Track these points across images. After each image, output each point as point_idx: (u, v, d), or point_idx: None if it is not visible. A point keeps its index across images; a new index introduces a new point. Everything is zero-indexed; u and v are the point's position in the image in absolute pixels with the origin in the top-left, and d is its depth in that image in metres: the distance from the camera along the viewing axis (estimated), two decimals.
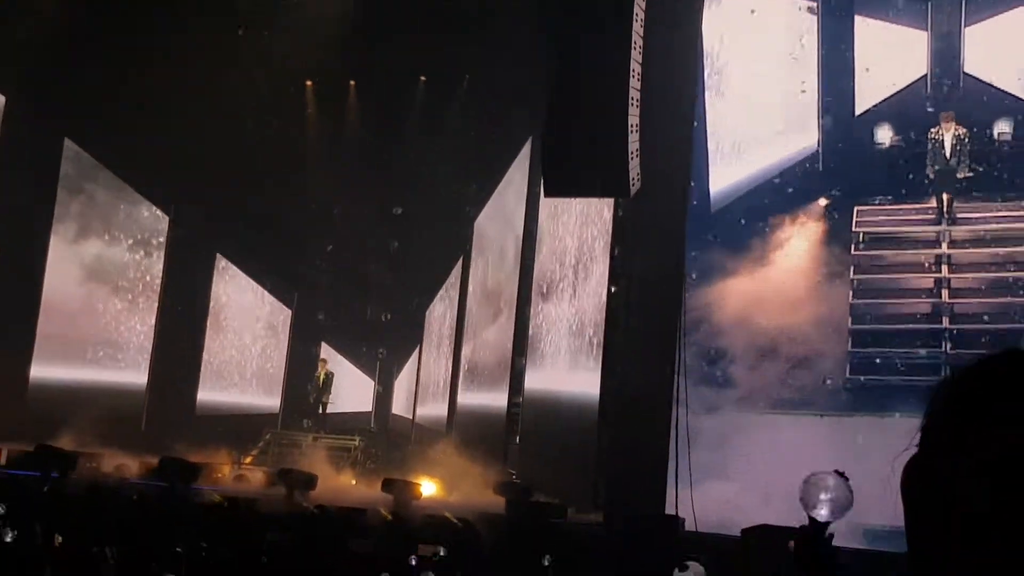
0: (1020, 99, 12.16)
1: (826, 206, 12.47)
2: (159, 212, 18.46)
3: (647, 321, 12.00)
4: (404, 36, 16.93)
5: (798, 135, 12.77)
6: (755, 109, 13.08)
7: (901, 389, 11.10)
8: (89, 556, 8.35)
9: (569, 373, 14.61)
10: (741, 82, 12.94)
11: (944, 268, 12.22)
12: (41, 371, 17.14)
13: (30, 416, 15.34)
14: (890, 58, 12.64)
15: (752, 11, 12.83)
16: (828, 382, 11.60)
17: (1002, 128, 12.12)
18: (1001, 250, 11.93)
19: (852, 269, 12.23)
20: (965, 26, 12.40)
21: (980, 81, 12.37)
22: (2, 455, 13.30)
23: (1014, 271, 11.80)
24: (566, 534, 10.96)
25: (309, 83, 18.46)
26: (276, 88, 17.47)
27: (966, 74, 12.50)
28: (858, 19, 12.66)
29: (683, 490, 10.90)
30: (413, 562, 9.04)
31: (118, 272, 18.14)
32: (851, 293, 12.04)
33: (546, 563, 8.70)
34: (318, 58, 17.18)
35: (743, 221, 12.48)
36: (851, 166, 12.54)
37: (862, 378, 11.68)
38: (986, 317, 11.74)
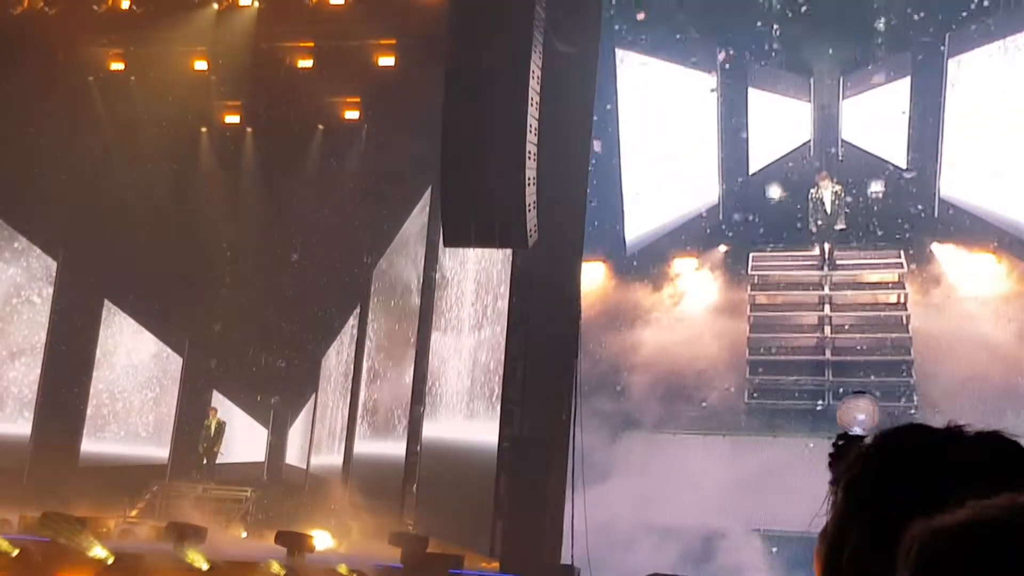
0: (889, 163, 14.12)
1: (725, 252, 14.29)
2: (46, 256, 17.93)
3: (544, 369, 12.17)
4: (304, 83, 16.95)
5: (701, 191, 14.46)
6: (665, 168, 14.66)
7: (791, 411, 12.95)
8: None
9: (467, 421, 14.64)
10: (653, 145, 14.51)
11: (827, 307, 14.07)
12: None
13: None
14: (779, 126, 14.48)
15: (656, 88, 14.48)
16: (728, 406, 13.09)
17: (875, 188, 14.14)
18: (874, 292, 13.95)
19: (748, 307, 13.96)
20: (843, 99, 14.33)
21: (856, 147, 14.32)
22: None
23: (884, 311, 13.75)
24: None
25: (204, 129, 18.27)
26: (171, 133, 17.25)
27: (844, 140, 14.43)
28: (751, 91, 14.36)
29: (579, 538, 11.01)
30: None
31: (1, 318, 17.52)
32: (748, 328, 13.74)
33: None
34: (214, 104, 17.09)
35: (654, 264, 14.16)
36: (746, 218, 14.36)
37: (758, 402, 13.23)
38: (862, 348, 13.52)
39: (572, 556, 10.89)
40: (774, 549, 11.62)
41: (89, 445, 18.17)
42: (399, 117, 16.03)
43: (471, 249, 14.13)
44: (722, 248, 14.30)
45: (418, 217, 17.07)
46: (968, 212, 13.69)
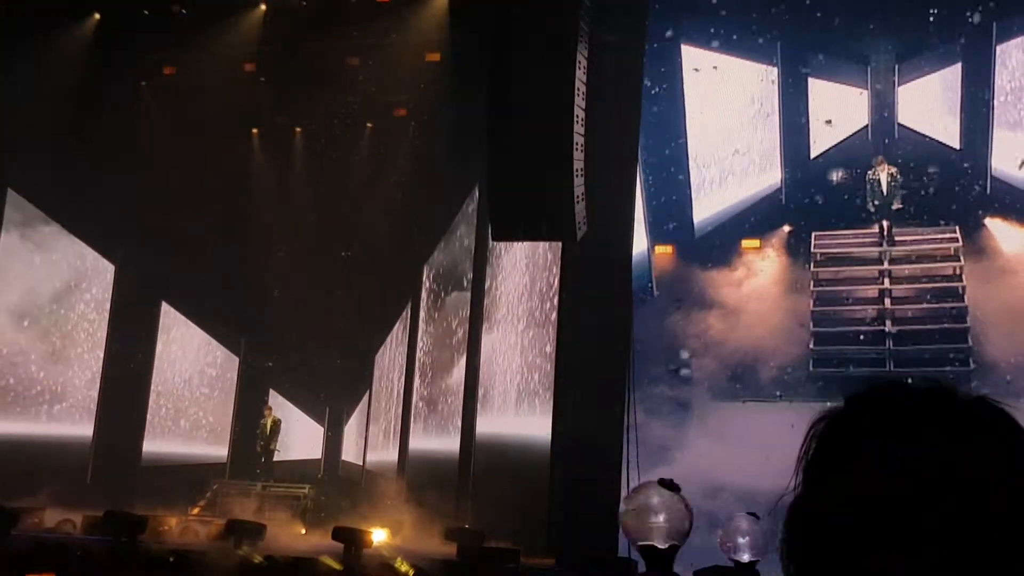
0: (943, 144, 15.10)
1: (789, 232, 15.29)
2: (104, 260, 18.25)
3: (597, 362, 12.09)
4: (351, 82, 17.03)
5: (765, 175, 15.55)
6: (730, 156, 15.68)
7: (854, 379, 13.60)
8: None
9: (520, 416, 14.60)
10: (719, 134, 15.57)
11: (886, 280, 15.06)
12: None
13: None
14: (838, 112, 15.50)
15: (720, 80, 15.49)
16: (795, 375, 14.04)
17: (931, 168, 15.03)
18: (930, 265, 14.85)
19: (812, 283, 14.96)
20: (898, 86, 15.46)
21: (911, 130, 15.38)
22: None
23: (941, 282, 14.69)
24: None
25: (255, 131, 18.45)
26: (222, 135, 17.44)
27: (900, 124, 15.52)
28: (811, 80, 15.46)
29: None
30: None
31: (62, 321, 17.86)
32: (812, 302, 14.77)
33: None
34: (263, 105, 17.25)
35: (721, 245, 15.14)
36: (808, 199, 15.36)
37: (823, 371, 14.17)
38: (921, 318, 14.48)
39: (628, 549, 10.80)
40: None
41: (150, 445, 18.47)
42: (446, 113, 16.03)
43: (520, 243, 14.09)
44: (786, 228, 15.26)
45: (467, 212, 17.07)
46: (1019, 188, 14.54)
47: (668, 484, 2.70)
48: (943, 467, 0.89)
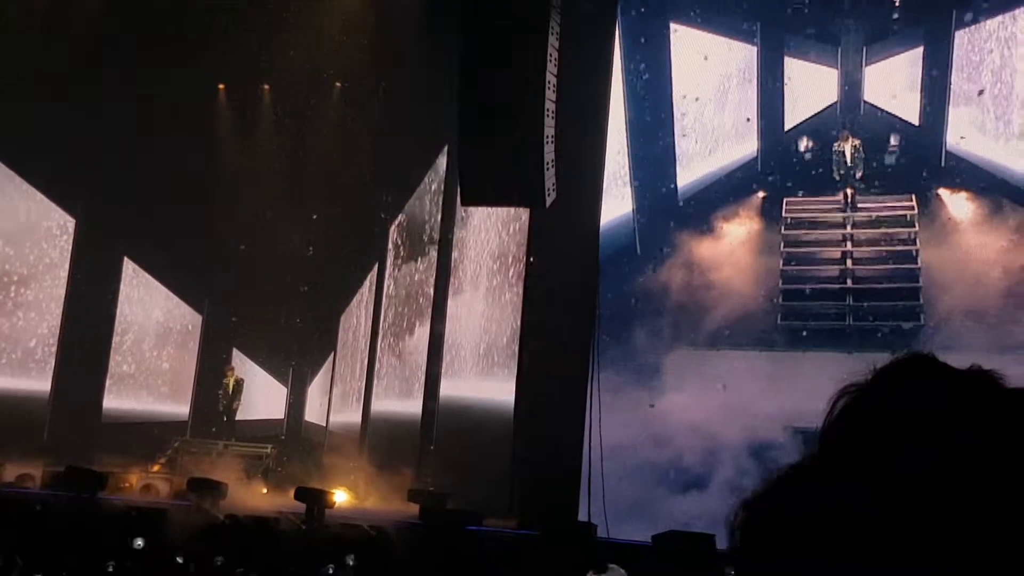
0: (904, 120, 16.57)
1: (763, 198, 16.49)
2: (64, 214, 18.01)
3: (562, 328, 12.18)
4: (320, 40, 16.86)
5: (742, 146, 16.90)
6: (709, 127, 16.99)
7: (817, 331, 15.44)
8: None
9: (484, 380, 14.69)
10: (701, 106, 16.76)
11: (848, 244, 16.40)
12: None
13: None
14: (810, 89, 17.01)
15: (705, 57, 16.74)
16: (765, 327, 15.54)
17: (892, 141, 16.49)
18: (889, 230, 16.21)
19: (781, 244, 16.26)
20: (865, 65, 16.81)
21: (875, 107, 16.77)
22: None
23: (898, 246, 16.09)
24: (480, 541, 11.03)
25: (221, 86, 18.22)
26: (188, 90, 17.20)
27: (866, 101, 16.87)
28: (787, 59, 16.87)
29: (596, 497, 11.09)
30: (331, 571, 9.01)
31: (20, 275, 17.64)
32: (781, 262, 16.14)
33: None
34: (231, 61, 17.03)
35: (702, 209, 16.28)
36: (781, 168, 16.66)
37: (788, 324, 15.69)
38: (878, 277, 15.93)
39: (588, 513, 10.97)
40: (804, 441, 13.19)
41: (111, 402, 18.35)
42: (417, 74, 15.92)
43: (489, 208, 14.09)
44: (760, 195, 16.51)
45: (435, 175, 17.02)
46: (969, 162, 15.99)
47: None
48: (981, 447, 0.82)
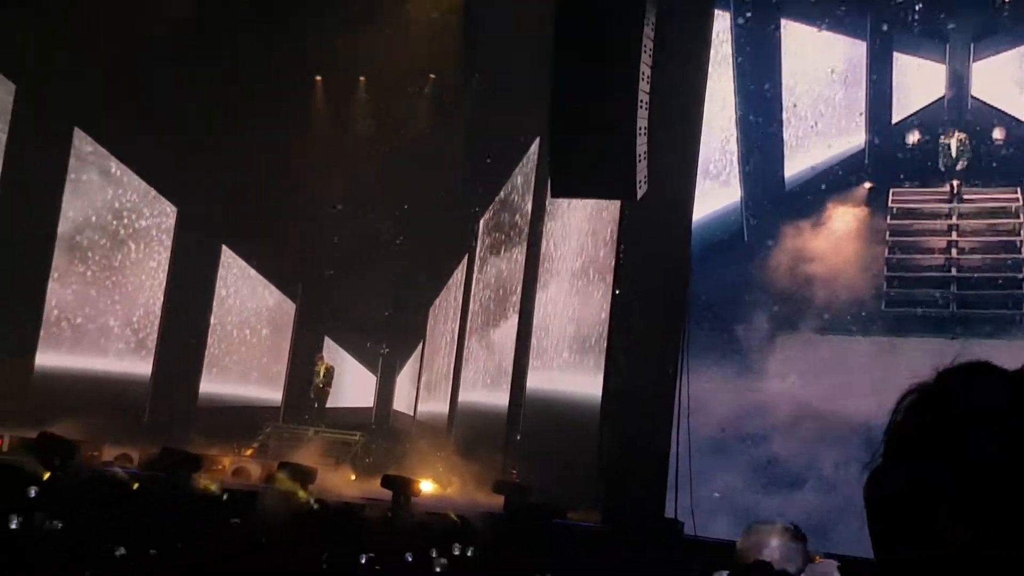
0: (1010, 115, 16.90)
1: (869, 189, 16.96)
2: (166, 203, 18.51)
3: (652, 321, 12.04)
4: (415, 31, 16.97)
5: (849, 137, 17.44)
6: (817, 120, 17.50)
7: (921, 318, 16.02)
8: (94, 548, 8.37)
9: (572, 373, 14.62)
10: (811, 100, 17.53)
11: (953, 234, 16.92)
12: (45, 359, 17.19)
13: (33, 404, 15.38)
14: (918, 83, 17.59)
15: (814, 51, 17.36)
16: (870, 313, 15.98)
17: (997, 135, 16.83)
18: (993, 221, 16.74)
19: (887, 234, 16.84)
20: (973, 61, 17.32)
21: (982, 102, 17.21)
22: (4, 442, 13.33)
23: (1001, 237, 16.61)
24: (564, 534, 10.97)
25: (318, 78, 18.49)
26: (286, 81, 17.50)
27: (973, 97, 17.35)
28: (895, 55, 17.46)
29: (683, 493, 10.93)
30: (409, 558, 9.06)
31: (123, 262, 18.19)
32: (886, 251, 16.71)
33: None
34: (328, 53, 17.25)
35: (809, 199, 16.75)
36: (888, 160, 17.12)
37: (893, 311, 16.15)
38: (982, 267, 16.37)
39: (676, 510, 10.81)
40: None
41: (207, 386, 18.82)
42: (509, 67, 15.91)
43: (579, 200, 14.00)
44: (867, 185, 16.90)
45: (526, 167, 16.99)
46: None
47: (794, 532, 2.65)
48: None
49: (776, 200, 16.91)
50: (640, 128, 10.61)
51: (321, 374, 18.43)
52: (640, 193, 10.90)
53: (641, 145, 10.65)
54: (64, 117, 16.99)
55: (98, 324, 17.85)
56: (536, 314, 15.90)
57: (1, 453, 12.86)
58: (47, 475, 11.21)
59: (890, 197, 17.08)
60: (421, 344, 19.85)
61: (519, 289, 16.38)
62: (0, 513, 8.84)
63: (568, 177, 11.24)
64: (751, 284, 15.67)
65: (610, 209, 13.64)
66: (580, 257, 15.02)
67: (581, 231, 15.10)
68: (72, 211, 17.66)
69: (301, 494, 12.24)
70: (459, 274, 18.94)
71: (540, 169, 15.69)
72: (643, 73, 10.59)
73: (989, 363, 1.02)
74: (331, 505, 11.84)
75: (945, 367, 1.03)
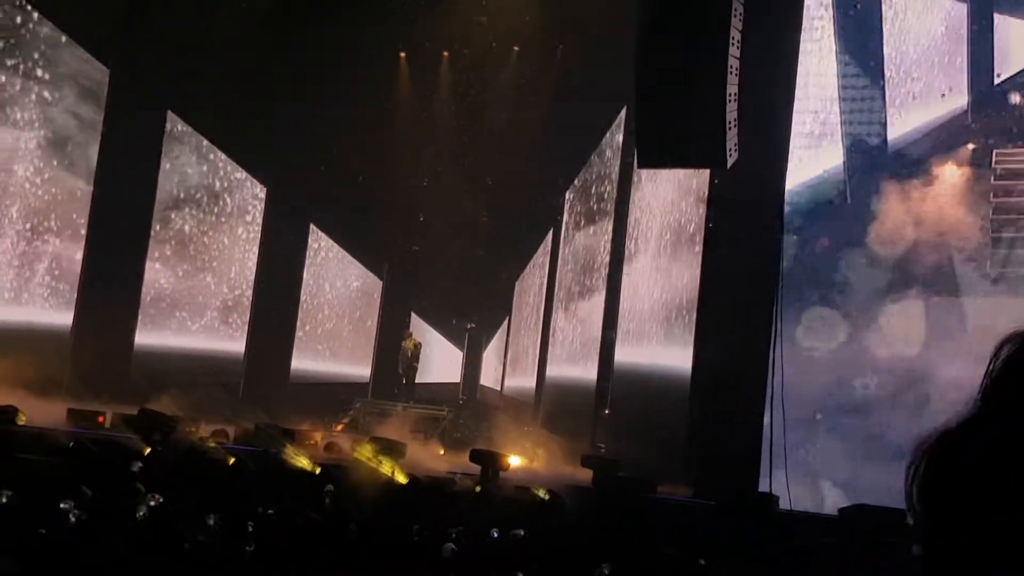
0: None
1: (972, 150, 16.85)
2: (257, 185, 18.78)
3: (743, 293, 11.79)
4: (499, 5, 16.85)
5: (953, 98, 17.19)
6: (921, 80, 17.33)
7: None
8: (188, 513, 8.55)
9: (661, 346, 14.43)
10: (911, 61, 17.31)
11: None
12: (144, 337, 17.65)
13: (133, 381, 15.80)
14: (1020, 43, 17.33)
15: (915, 14, 17.15)
16: (975, 274, 15.97)
17: None
18: None
19: (991, 195, 16.64)
20: None
21: None
22: (106, 418, 13.71)
23: None
24: (654, 509, 10.84)
25: (403, 54, 18.51)
26: (371, 58, 17.55)
27: None
28: (996, 16, 17.11)
29: (778, 468, 10.70)
30: (495, 534, 9.03)
31: (218, 244, 18.53)
32: (991, 212, 16.50)
33: (606, 572, 8.45)
34: (411, 28, 17.25)
35: (912, 160, 16.56)
36: (991, 121, 16.92)
37: (1000, 270, 16.05)
38: None
39: (770, 484, 10.60)
40: None
41: (298, 363, 19.12)
42: (595, 34, 15.69)
43: (667, 170, 13.76)
44: (969, 147, 16.74)
45: (612, 138, 16.78)
46: None
47: None
48: None
49: (879, 162, 16.78)
50: (730, 94, 10.33)
51: (409, 351, 18.57)
52: (731, 161, 10.63)
53: (731, 112, 10.38)
54: (156, 99, 17.30)
55: (194, 302, 18.23)
56: (624, 287, 15.73)
57: (104, 430, 13.21)
58: (147, 450, 11.50)
59: (993, 158, 16.91)
60: (507, 319, 19.85)
61: (606, 261, 16.22)
62: (105, 487, 9.08)
63: (655, 147, 11.02)
64: (851, 249, 15.60)
65: (700, 178, 13.37)
66: (669, 228, 14.79)
67: (669, 201, 14.86)
68: (165, 192, 18.03)
69: (391, 468, 12.33)
70: (545, 248, 18.85)
71: (626, 138, 15.46)
72: (733, 37, 10.30)
73: None
74: (420, 480, 11.90)
75: None
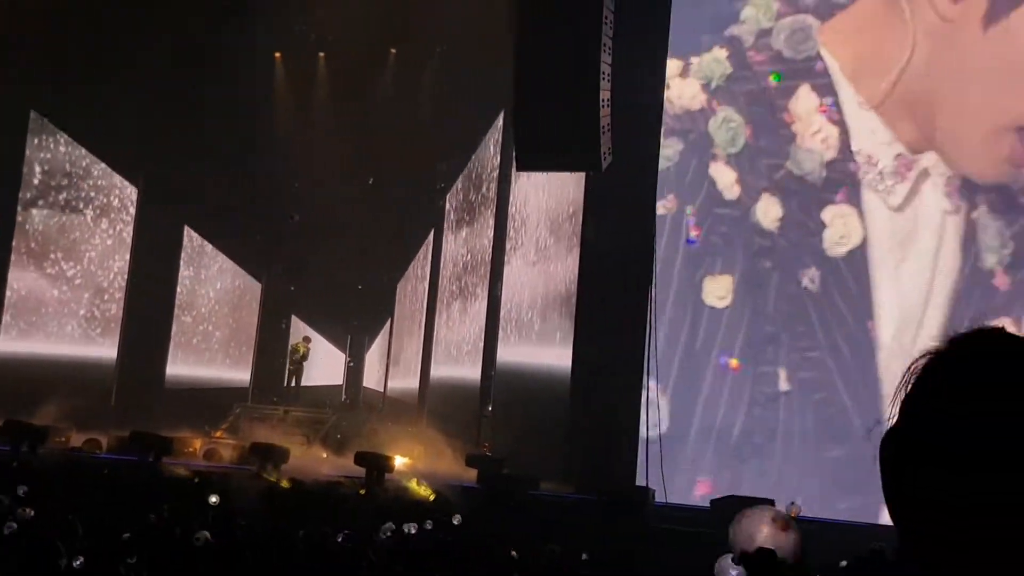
0: None
1: None
2: (127, 184, 18.27)
3: (619, 293, 12.11)
4: (375, 6, 16.82)
5: None
6: None
7: None
8: (60, 527, 8.32)
9: (541, 346, 14.67)
10: None
11: None
12: (8, 345, 17.00)
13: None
14: None
15: None
16: None
17: None
18: None
19: None
20: None
21: None
22: None
23: None
24: (537, 506, 11.05)
25: (277, 55, 18.28)
26: (243, 59, 17.27)
27: None
28: None
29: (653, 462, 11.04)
30: (387, 534, 9.07)
31: (85, 245, 17.97)
32: None
33: (514, 555, 8.65)
34: (286, 30, 17.07)
35: None
36: None
37: None
38: None
39: (647, 478, 10.93)
40: None
41: (174, 369, 18.68)
42: (472, 39, 15.81)
43: (544, 173, 14.01)
44: None
45: (491, 141, 16.95)
46: None
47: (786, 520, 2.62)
48: None
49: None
50: (603, 100, 10.62)
51: (301, 354, 18.46)
52: (605, 165, 10.93)
53: (605, 117, 10.66)
54: (18, 97, 16.69)
55: (60, 308, 17.64)
56: (505, 287, 15.92)
57: None
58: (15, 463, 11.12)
59: None
60: (389, 321, 19.82)
61: (488, 262, 16.38)
62: None
63: (533, 151, 11.25)
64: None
65: (576, 179, 13.65)
66: (547, 229, 15.03)
67: (547, 203, 15.11)
68: (29, 194, 17.40)
69: (274, 474, 12.22)
70: (426, 249, 18.91)
71: (505, 143, 15.66)
72: (605, 44, 10.59)
73: (1003, 329, 0.99)
74: (305, 484, 11.84)
75: (957, 333, 1.01)
